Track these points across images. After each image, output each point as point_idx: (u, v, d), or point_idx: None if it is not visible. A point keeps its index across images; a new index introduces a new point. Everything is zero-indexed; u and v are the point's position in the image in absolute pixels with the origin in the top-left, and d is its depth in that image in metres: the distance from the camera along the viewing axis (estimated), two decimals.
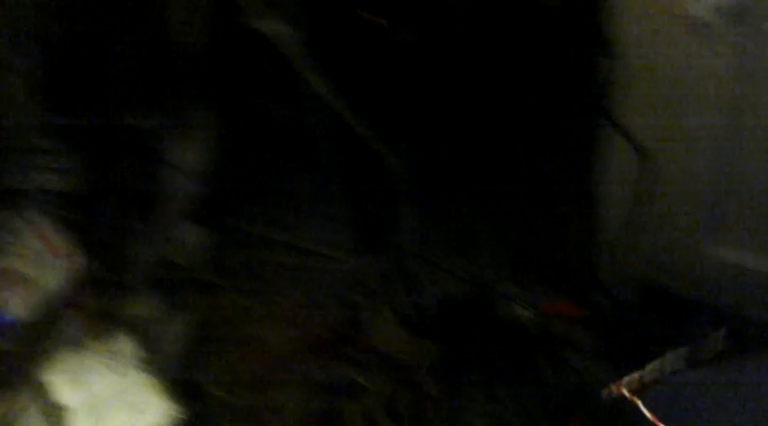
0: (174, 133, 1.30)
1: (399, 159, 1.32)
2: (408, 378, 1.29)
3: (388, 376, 1.31)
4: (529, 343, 1.07)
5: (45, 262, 1.29)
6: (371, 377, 1.31)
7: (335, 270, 1.45)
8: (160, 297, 1.40)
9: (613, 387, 0.76)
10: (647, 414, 0.67)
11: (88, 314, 1.32)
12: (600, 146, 1.15)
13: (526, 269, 1.26)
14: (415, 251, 1.37)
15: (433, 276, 1.34)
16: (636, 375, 0.81)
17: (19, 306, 1.25)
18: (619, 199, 1.11)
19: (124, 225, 1.32)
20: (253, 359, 1.37)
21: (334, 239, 1.46)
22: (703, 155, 1.02)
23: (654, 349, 1.17)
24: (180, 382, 1.32)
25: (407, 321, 1.34)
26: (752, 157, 0.99)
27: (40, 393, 1.22)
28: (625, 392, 0.72)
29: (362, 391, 1.30)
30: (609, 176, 1.15)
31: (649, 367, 0.83)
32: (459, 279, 1.27)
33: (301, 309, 1.41)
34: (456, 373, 1.07)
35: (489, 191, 1.44)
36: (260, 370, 1.36)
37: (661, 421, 0.67)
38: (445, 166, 1.46)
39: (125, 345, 1.34)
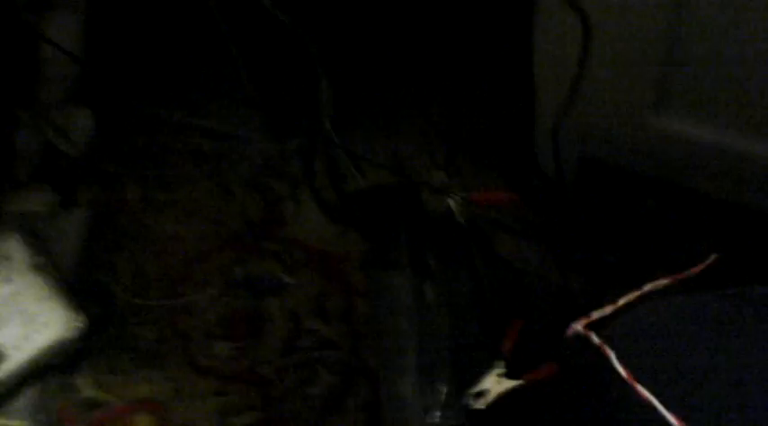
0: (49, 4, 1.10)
1: (315, 38, 1.17)
2: (336, 274, 1.19)
3: (314, 271, 1.20)
4: (459, 235, 0.97)
5: None
6: (296, 273, 1.20)
7: (252, 155, 1.30)
8: (51, 190, 1.24)
9: (579, 327, 0.67)
10: (618, 368, 0.59)
11: None
12: (538, 14, 1.02)
13: (455, 155, 1.15)
14: (337, 137, 1.23)
15: (358, 163, 1.21)
16: (607, 308, 0.73)
17: None
18: (557, 72, 1.00)
19: (3, 113, 1.13)
20: (163, 256, 1.24)
21: (249, 122, 1.31)
22: (648, 23, 0.92)
23: (594, 227, 1.11)
24: (80, 285, 1.19)
25: (332, 211, 1.23)
26: (699, 24, 0.91)
27: None
28: (594, 337, 0.63)
29: (286, 288, 1.19)
30: (546, 46, 1.03)
31: (622, 301, 0.74)
32: (384, 167, 1.16)
33: (215, 201, 1.28)
34: (384, 268, 0.97)
35: (415, 71, 1.31)
36: (172, 269, 1.24)
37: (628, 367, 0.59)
38: (366, 45, 1.31)
39: (13, 246, 1.18)
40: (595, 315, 0.72)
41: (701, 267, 0.84)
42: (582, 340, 0.65)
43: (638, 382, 0.58)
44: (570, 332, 0.68)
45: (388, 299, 0.95)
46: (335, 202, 1.24)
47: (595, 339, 0.63)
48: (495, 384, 0.86)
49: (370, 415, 1.07)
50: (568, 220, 1.11)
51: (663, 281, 0.80)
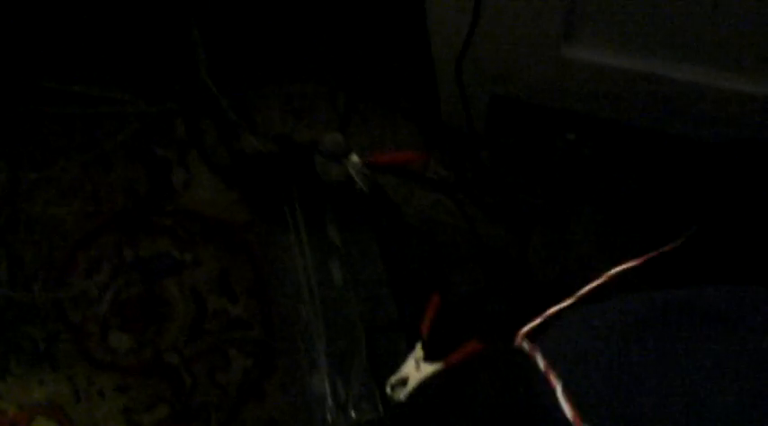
0: None
1: None
2: (238, 245, 1.08)
3: (213, 244, 1.09)
4: (362, 203, 0.87)
5: None
6: (193, 248, 1.09)
7: (129, 120, 1.16)
8: None
9: (519, 338, 0.59)
10: (565, 408, 0.51)
11: None
12: None
13: (354, 109, 1.04)
14: (224, 93, 1.10)
15: (251, 126, 1.09)
16: (566, 301, 0.64)
17: None
18: (452, 8, 0.90)
19: None
20: (42, 243, 1.12)
21: (123, 84, 1.16)
22: None
23: (513, 171, 1.03)
24: None
25: (227, 175, 1.11)
26: None
27: None
28: (539, 361, 0.54)
29: (184, 267, 1.08)
30: None
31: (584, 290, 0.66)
32: (276, 134, 1.04)
33: (94, 175, 1.14)
34: (282, 248, 0.87)
35: (306, 24, 1.17)
36: (54, 257, 1.11)
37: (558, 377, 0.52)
38: None
39: None
40: (553, 309, 0.63)
41: (671, 246, 0.77)
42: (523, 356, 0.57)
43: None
44: (518, 342, 0.60)
45: (290, 283, 0.85)
46: (229, 165, 1.12)
47: (540, 363, 0.55)
48: (414, 370, 0.79)
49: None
50: (483, 168, 1.03)
51: (630, 264, 0.72)
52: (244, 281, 1.07)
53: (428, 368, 0.78)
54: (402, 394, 0.78)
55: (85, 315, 1.08)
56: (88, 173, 1.14)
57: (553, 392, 0.54)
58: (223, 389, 1.03)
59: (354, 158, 0.87)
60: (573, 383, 0.53)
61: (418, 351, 0.80)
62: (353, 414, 0.78)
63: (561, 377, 0.53)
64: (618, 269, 0.70)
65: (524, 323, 0.82)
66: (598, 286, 0.67)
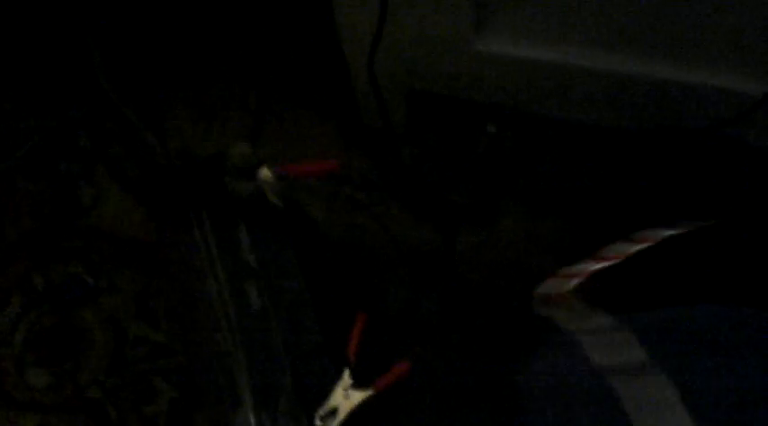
0: None
1: None
2: (155, 265, 1.01)
3: (128, 266, 1.02)
4: (275, 219, 0.81)
5: None
6: (107, 271, 1.02)
7: (28, 133, 1.07)
8: None
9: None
10: None
11: None
12: None
13: (267, 120, 0.96)
14: (127, 100, 1.02)
15: (159, 136, 1.01)
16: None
17: None
18: (364, 3, 0.84)
19: None
20: None
21: (18, 96, 1.07)
22: None
23: (436, 168, 0.98)
24: None
25: (136, 189, 1.03)
26: None
27: None
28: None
29: (99, 292, 1.01)
30: None
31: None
32: (183, 147, 0.97)
33: None
34: (191, 272, 0.80)
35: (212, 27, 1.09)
36: None
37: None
38: None
39: None
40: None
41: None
42: None
43: None
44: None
45: (204, 311, 0.78)
46: (138, 178, 1.04)
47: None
48: (343, 399, 0.73)
49: None
50: (405, 167, 0.97)
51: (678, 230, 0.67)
52: (163, 305, 1.00)
53: (357, 396, 0.73)
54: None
55: (0, 352, 1.01)
56: None
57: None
58: (151, 422, 0.96)
59: (265, 172, 0.80)
60: None
61: (346, 379, 0.74)
62: None
63: None
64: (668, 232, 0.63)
65: (457, 326, 0.78)
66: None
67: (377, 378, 0.73)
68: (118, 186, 1.05)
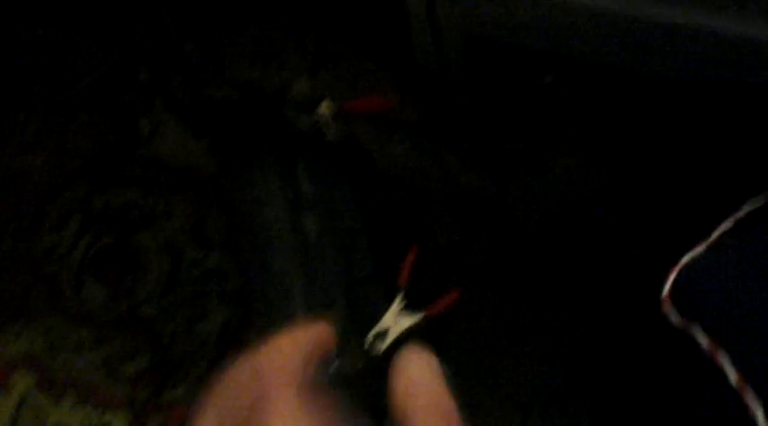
0: None
1: None
2: (210, 193, 1.07)
3: (185, 194, 1.07)
4: (334, 154, 0.85)
5: None
6: (165, 198, 1.07)
7: (90, 67, 1.12)
8: None
9: (666, 305, 0.54)
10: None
11: None
12: None
13: (323, 53, 1.00)
14: (189, 35, 1.06)
15: (218, 71, 1.06)
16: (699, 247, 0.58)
17: None
18: None
19: None
20: (10, 196, 1.09)
21: (86, 29, 1.12)
22: None
23: (490, 115, 1.02)
24: None
25: (194, 123, 1.08)
26: None
27: None
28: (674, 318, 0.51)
29: (157, 217, 1.07)
30: None
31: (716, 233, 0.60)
32: (244, 81, 1.01)
33: (59, 125, 1.11)
34: (253, 201, 0.85)
35: None
36: (23, 209, 1.09)
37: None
38: None
39: None
40: (685, 259, 0.57)
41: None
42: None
43: None
44: (666, 311, 0.55)
45: (262, 237, 0.84)
46: (196, 112, 1.09)
47: (702, 340, 0.51)
48: (393, 322, 0.79)
49: None
50: (460, 113, 1.01)
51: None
52: (218, 231, 1.05)
53: (408, 320, 0.79)
54: (382, 347, 0.78)
55: (58, 268, 1.07)
56: (52, 124, 1.11)
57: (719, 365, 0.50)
58: (202, 340, 1.02)
59: (324, 107, 0.85)
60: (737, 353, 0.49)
61: (397, 303, 0.79)
62: (334, 370, 0.78)
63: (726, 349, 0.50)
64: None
65: (506, 269, 0.80)
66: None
67: (427, 305, 0.79)
68: (176, 119, 1.10)
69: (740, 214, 0.59)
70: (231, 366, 0.38)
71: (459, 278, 0.81)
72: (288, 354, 0.38)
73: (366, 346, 0.78)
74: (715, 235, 0.59)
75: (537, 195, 0.97)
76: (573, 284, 0.89)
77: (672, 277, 0.57)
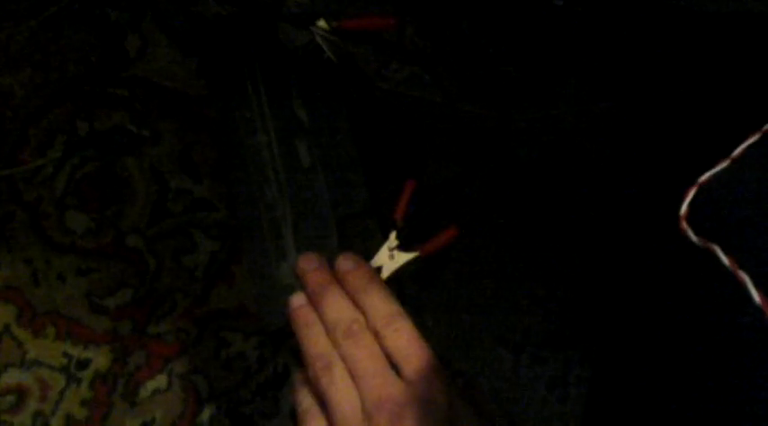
0: None
1: None
2: (200, 119, 1.00)
3: (173, 118, 1.01)
4: (330, 75, 0.79)
5: None
6: (152, 122, 1.01)
7: None
8: None
9: (683, 223, 0.50)
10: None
11: None
12: None
13: None
14: None
15: None
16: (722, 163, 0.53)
17: None
18: None
19: None
20: None
21: None
22: None
23: (492, 37, 0.94)
24: None
25: (184, 42, 1.01)
26: None
27: None
28: (692, 236, 0.47)
29: (143, 142, 1.00)
30: None
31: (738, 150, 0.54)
32: None
33: (41, 42, 1.04)
34: (241, 124, 0.78)
35: None
36: (5, 131, 1.03)
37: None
38: None
39: None
40: (705, 176, 0.53)
41: None
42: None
43: None
44: (683, 229, 0.50)
45: (252, 163, 0.78)
46: (186, 30, 1.01)
47: (724, 259, 0.47)
48: (388, 259, 0.73)
49: None
50: (463, 38, 0.93)
51: None
52: (207, 160, 0.99)
53: (403, 257, 0.73)
54: None
55: (40, 194, 1.01)
56: (36, 40, 1.04)
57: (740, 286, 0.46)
58: (190, 272, 0.97)
59: (322, 23, 0.78)
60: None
61: (392, 240, 0.74)
62: None
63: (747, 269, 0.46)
64: None
65: (505, 207, 0.75)
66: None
67: (423, 242, 0.73)
68: (166, 37, 1.03)
69: None
70: None
71: (455, 215, 0.76)
72: None
73: None
74: (739, 149, 0.54)
75: (541, 129, 0.91)
76: (575, 221, 0.83)
77: (690, 195, 0.53)
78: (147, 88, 1.02)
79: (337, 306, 0.67)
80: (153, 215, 0.99)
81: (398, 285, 0.73)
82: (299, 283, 0.73)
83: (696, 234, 0.48)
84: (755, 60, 0.76)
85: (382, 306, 0.66)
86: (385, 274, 0.73)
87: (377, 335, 0.64)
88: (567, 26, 0.92)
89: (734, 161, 0.52)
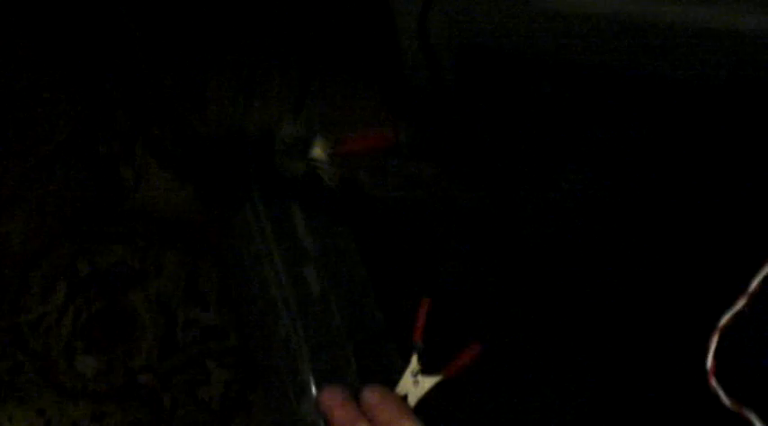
0: None
1: None
2: (202, 245, 0.99)
3: (174, 248, 0.99)
4: (333, 201, 0.78)
5: None
6: (153, 254, 1.00)
7: (63, 117, 1.05)
8: None
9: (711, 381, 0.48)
10: None
11: None
12: None
13: (310, 89, 0.92)
14: (169, 77, 0.99)
15: (199, 108, 0.98)
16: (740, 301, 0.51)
17: None
18: None
19: None
20: None
21: (53, 79, 1.04)
22: None
23: (488, 130, 0.94)
24: None
25: (180, 168, 1.00)
26: None
27: None
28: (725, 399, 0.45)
29: (146, 276, 0.99)
30: None
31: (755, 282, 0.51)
32: (232, 118, 0.93)
33: (34, 184, 1.03)
34: (247, 257, 0.77)
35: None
36: (5, 279, 1.01)
37: None
38: None
39: None
40: (725, 319, 0.51)
41: None
42: None
43: None
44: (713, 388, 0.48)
45: (262, 297, 0.76)
46: (181, 155, 1.01)
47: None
48: (412, 385, 0.71)
49: None
50: (455, 132, 0.93)
51: None
52: (213, 286, 0.98)
53: (428, 382, 0.71)
54: None
55: (47, 340, 0.99)
56: (27, 185, 1.03)
57: None
58: (206, 405, 0.95)
59: (318, 150, 0.77)
60: None
61: (414, 364, 0.71)
62: None
63: None
64: None
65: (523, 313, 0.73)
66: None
67: (447, 363, 0.71)
68: (159, 165, 1.02)
69: None
70: None
71: (474, 328, 0.73)
72: None
73: None
74: (755, 282, 0.52)
75: (545, 212, 0.89)
76: (596, 316, 0.81)
77: (713, 344, 0.50)
78: (146, 220, 1.01)
79: None
80: (162, 349, 0.97)
81: (425, 409, 0.70)
82: (322, 420, 0.70)
83: (727, 394, 0.46)
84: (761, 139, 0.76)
85: None
86: (412, 402, 0.70)
87: None
88: (557, 109, 0.92)
89: (752, 297, 0.50)
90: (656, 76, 0.87)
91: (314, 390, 0.72)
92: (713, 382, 0.47)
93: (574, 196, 0.92)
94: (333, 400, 0.69)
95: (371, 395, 0.67)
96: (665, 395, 0.57)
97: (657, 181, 0.90)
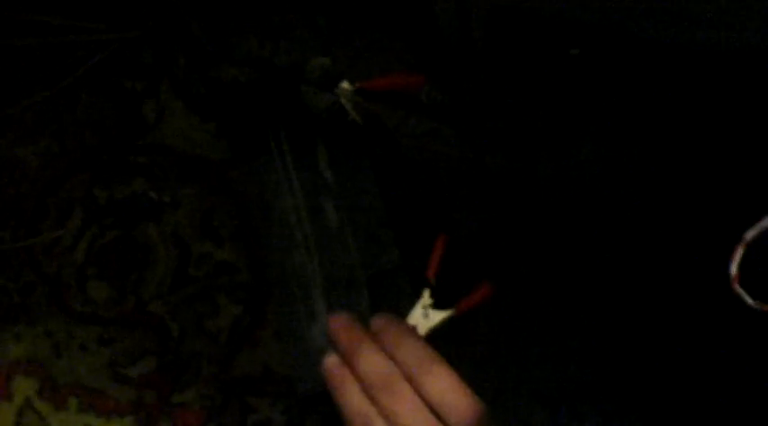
0: None
1: None
2: (220, 183, 1.00)
3: (192, 183, 1.01)
4: (355, 136, 0.79)
5: None
6: (171, 188, 1.01)
7: (92, 49, 1.06)
8: None
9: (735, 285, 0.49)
10: None
11: None
12: None
13: (337, 37, 0.93)
14: (197, 22, 1.00)
15: (226, 52, 0.99)
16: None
17: None
18: None
19: None
20: (7, 189, 1.03)
21: (86, 10, 1.05)
22: None
23: (513, 91, 0.95)
24: None
25: (202, 107, 1.01)
26: None
27: None
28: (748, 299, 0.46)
29: (163, 209, 1.00)
30: None
31: None
32: (256, 58, 0.94)
33: (57, 111, 1.04)
34: (267, 186, 0.78)
35: None
36: (21, 203, 1.02)
37: None
38: None
39: None
40: (751, 233, 0.52)
41: None
42: None
43: None
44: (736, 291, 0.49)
45: (280, 226, 0.78)
46: (205, 95, 1.02)
47: None
48: (422, 318, 0.72)
49: None
50: (483, 91, 0.94)
51: None
52: (228, 223, 0.99)
53: (437, 316, 0.72)
54: None
55: (60, 264, 1.01)
56: (52, 110, 1.04)
57: None
58: (213, 337, 0.96)
59: (345, 85, 0.78)
60: None
61: (426, 298, 0.73)
62: None
63: None
64: None
65: (535, 260, 0.74)
66: None
67: (458, 300, 0.72)
68: (183, 103, 1.03)
69: None
70: None
71: (486, 269, 0.75)
72: None
73: None
74: None
75: (567, 177, 0.90)
76: (608, 270, 0.83)
77: (738, 255, 0.52)
78: (166, 154, 1.02)
79: (372, 360, 0.65)
80: (174, 281, 0.98)
81: (433, 343, 0.72)
82: (331, 345, 0.71)
83: (752, 296, 0.47)
84: None
85: (419, 353, 0.64)
86: (420, 333, 0.72)
87: (416, 385, 0.62)
88: (584, 75, 0.93)
89: None
90: (682, 46, 0.88)
91: (325, 317, 0.74)
92: (737, 287, 0.48)
93: (590, 167, 0.94)
94: (341, 323, 0.70)
95: (379, 321, 0.69)
96: (688, 304, 0.58)
97: (681, 144, 0.91)
